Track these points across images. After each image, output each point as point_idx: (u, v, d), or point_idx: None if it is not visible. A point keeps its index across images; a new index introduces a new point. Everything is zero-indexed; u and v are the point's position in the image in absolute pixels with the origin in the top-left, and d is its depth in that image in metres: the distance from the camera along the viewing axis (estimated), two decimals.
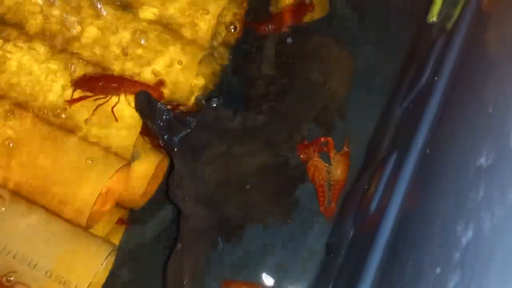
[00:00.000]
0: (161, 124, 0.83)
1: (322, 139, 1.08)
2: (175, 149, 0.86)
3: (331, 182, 1.05)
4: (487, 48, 0.79)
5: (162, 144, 0.87)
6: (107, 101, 0.93)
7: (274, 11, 1.15)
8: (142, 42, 0.98)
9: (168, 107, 0.96)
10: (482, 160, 0.55)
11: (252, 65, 1.10)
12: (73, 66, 0.95)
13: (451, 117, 0.75)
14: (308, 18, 1.15)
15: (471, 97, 0.72)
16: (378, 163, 0.91)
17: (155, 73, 0.97)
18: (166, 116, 0.83)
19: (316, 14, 1.16)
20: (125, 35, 0.98)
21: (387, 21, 1.07)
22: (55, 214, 0.90)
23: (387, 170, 0.78)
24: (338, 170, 1.06)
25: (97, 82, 0.93)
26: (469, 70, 0.80)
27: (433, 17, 0.96)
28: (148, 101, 0.83)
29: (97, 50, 0.98)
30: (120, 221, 0.99)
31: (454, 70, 0.81)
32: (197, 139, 0.87)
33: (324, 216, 1.02)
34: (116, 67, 0.96)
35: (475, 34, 0.84)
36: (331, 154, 1.07)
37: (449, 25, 0.94)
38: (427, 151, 0.69)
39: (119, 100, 0.94)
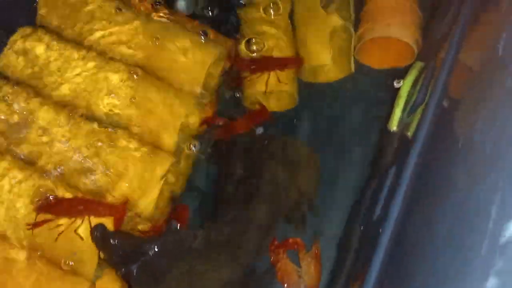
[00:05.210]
0: (117, 258, 0.84)
1: (291, 240, 1.08)
2: (134, 279, 0.86)
3: None
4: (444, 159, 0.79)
5: (120, 275, 0.88)
6: (71, 224, 0.95)
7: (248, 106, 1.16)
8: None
9: (131, 229, 0.97)
10: None
11: (220, 167, 1.11)
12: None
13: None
14: (277, 108, 1.16)
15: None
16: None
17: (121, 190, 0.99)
18: (122, 251, 0.84)
19: (286, 104, 1.17)
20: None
21: (351, 124, 1.08)
22: None
23: None
24: (309, 273, 1.05)
25: (61, 205, 0.95)
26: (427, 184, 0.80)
27: (393, 126, 0.96)
28: (103, 235, 0.85)
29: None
30: None
31: (408, 196, 0.80)
32: (157, 265, 0.88)
33: None
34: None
35: (431, 144, 0.83)
36: (300, 255, 1.07)
37: (410, 134, 0.94)
38: None
39: (82, 222, 0.95)
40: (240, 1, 1.17)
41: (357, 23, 1.16)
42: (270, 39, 1.12)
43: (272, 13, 1.13)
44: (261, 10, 1.13)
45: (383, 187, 0.85)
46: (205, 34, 1.08)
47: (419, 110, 0.92)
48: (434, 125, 0.80)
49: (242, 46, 1.12)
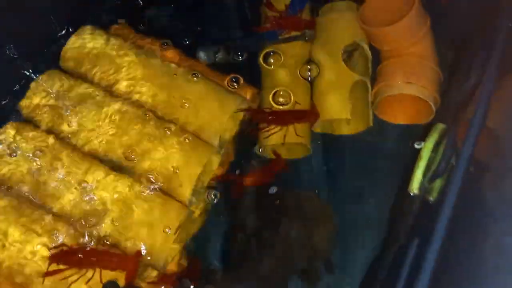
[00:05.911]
0: None
1: None
2: None
3: None
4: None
5: None
6: (82, 275, 0.92)
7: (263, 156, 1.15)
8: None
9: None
10: None
11: (233, 218, 1.09)
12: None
13: None
14: (289, 157, 1.16)
15: None
16: None
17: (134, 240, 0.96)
18: None
19: (298, 155, 1.16)
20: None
21: (369, 180, 1.06)
22: None
23: None
24: None
25: (74, 256, 0.92)
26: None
27: (414, 189, 0.94)
28: None
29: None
30: None
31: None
32: None
33: None
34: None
35: (458, 217, 0.81)
36: None
37: (432, 199, 0.92)
38: None
39: (93, 275, 0.92)
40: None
41: (373, 77, 1.17)
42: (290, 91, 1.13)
43: (310, 75, 1.14)
44: (298, 74, 1.14)
45: (405, 261, 0.82)
46: (237, 81, 1.08)
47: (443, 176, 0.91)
48: (460, 194, 0.78)
49: (269, 98, 1.12)
